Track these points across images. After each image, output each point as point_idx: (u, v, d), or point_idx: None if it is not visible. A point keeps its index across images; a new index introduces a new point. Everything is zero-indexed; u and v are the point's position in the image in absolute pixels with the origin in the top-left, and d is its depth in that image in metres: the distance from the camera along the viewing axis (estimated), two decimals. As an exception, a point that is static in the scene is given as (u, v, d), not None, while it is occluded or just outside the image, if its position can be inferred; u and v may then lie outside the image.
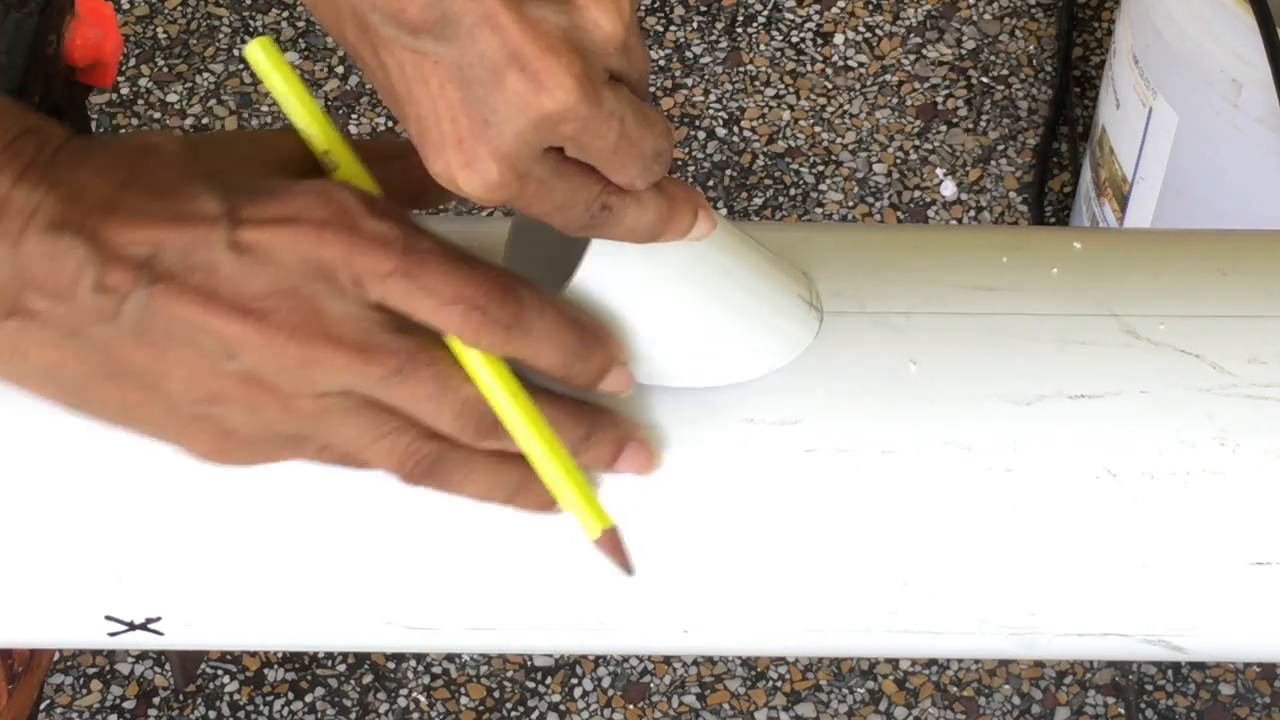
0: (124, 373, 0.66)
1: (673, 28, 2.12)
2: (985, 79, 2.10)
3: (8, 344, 0.65)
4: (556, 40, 0.63)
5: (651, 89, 2.05)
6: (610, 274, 0.70)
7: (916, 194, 2.02)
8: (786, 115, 2.06)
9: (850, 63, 2.10)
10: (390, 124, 2.03)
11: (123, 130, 2.02)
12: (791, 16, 2.13)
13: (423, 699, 1.73)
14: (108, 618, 0.75)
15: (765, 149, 2.04)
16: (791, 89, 2.08)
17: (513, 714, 1.72)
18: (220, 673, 1.73)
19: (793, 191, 2.02)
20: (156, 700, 1.73)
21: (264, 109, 2.04)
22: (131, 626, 0.75)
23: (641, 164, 0.66)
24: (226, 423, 0.67)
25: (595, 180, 0.66)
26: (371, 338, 0.66)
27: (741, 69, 2.09)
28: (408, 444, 0.68)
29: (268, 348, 0.65)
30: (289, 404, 0.66)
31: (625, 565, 0.71)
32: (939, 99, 2.08)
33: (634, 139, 0.65)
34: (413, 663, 1.74)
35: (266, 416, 0.67)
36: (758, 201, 2.01)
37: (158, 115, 2.03)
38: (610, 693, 1.73)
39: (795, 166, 2.03)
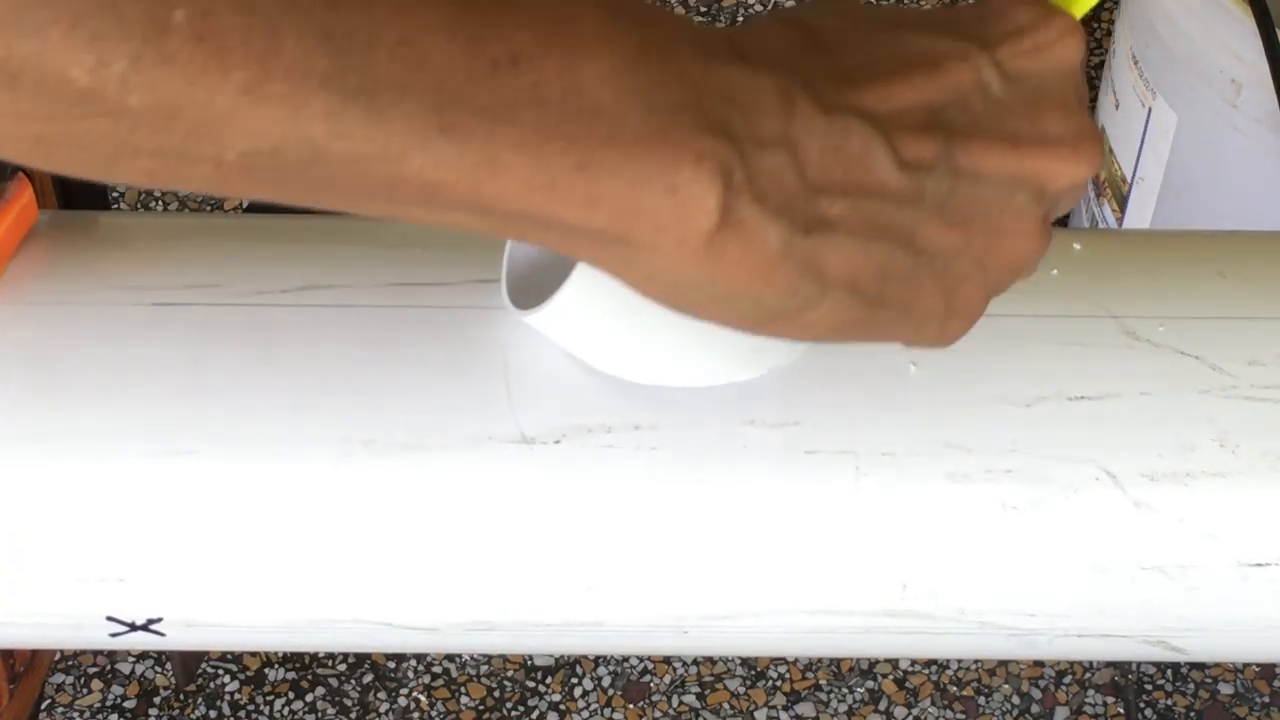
0: (923, 265, 0.60)
1: (673, 28, 2.12)
2: (985, 79, 2.10)
3: (807, 268, 0.57)
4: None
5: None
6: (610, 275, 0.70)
7: (916, 194, 2.02)
8: (786, 115, 2.07)
9: (850, 63, 2.10)
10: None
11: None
12: (791, 16, 2.14)
13: (423, 698, 1.73)
14: (109, 618, 0.75)
15: (765, 149, 2.04)
16: (791, 89, 2.09)
17: (513, 714, 1.72)
18: (221, 672, 1.74)
19: (792, 191, 2.02)
20: (157, 700, 1.73)
21: (264, 109, 2.04)
22: (133, 627, 0.75)
23: None
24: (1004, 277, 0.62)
25: None
26: None
27: (741, 69, 2.10)
28: None
29: (1084, 156, 0.61)
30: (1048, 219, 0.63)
31: None
32: (939, 99, 2.09)
33: None
34: (413, 662, 1.74)
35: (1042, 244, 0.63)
36: (758, 201, 2.01)
37: (158, 115, 2.03)
38: (610, 692, 1.74)
39: (795, 166, 2.03)
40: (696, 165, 0.53)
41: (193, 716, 1.72)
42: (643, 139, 0.53)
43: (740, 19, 2.12)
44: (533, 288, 0.72)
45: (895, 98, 0.57)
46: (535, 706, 1.73)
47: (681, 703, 1.73)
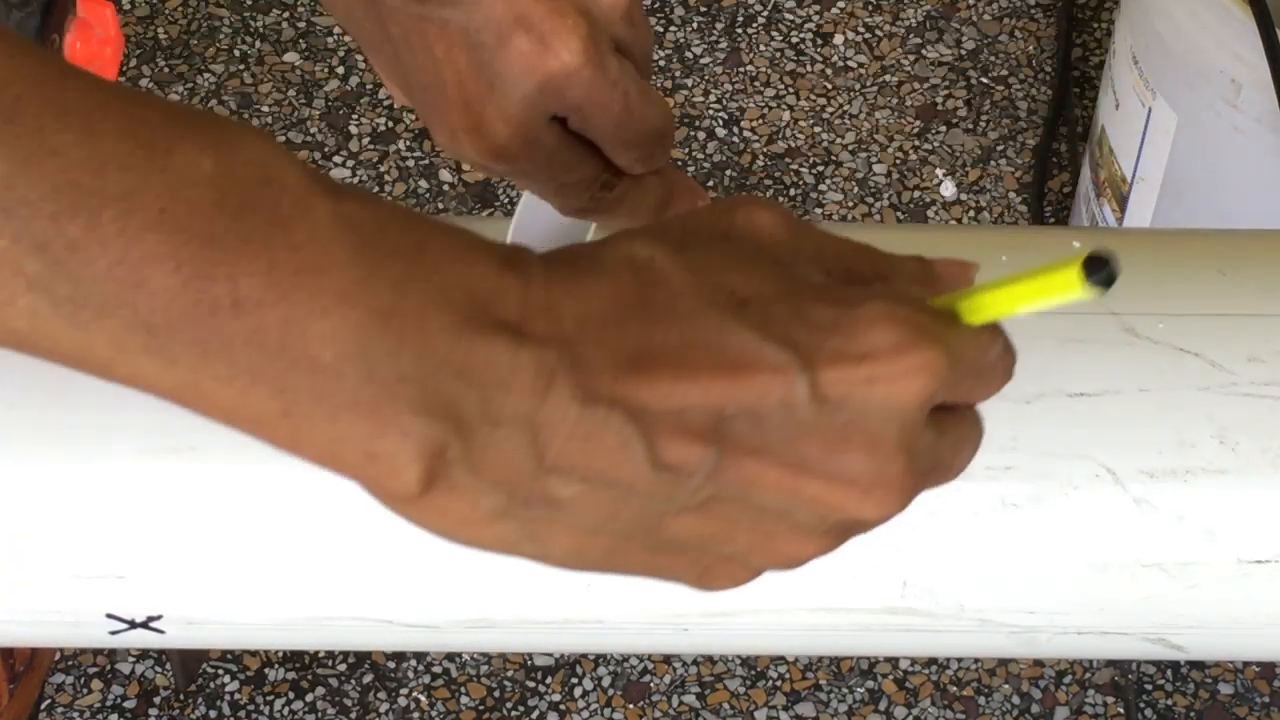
0: (667, 544, 0.57)
1: (673, 28, 2.12)
2: (985, 79, 2.10)
3: (525, 532, 0.56)
4: (563, 3, 0.63)
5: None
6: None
7: (916, 194, 2.02)
8: (786, 116, 2.06)
9: (850, 63, 2.10)
10: (390, 124, 2.03)
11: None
12: (791, 17, 2.13)
13: (423, 698, 1.73)
14: (109, 616, 0.75)
15: (765, 149, 2.04)
16: (791, 89, 2.08)
17: (513, 713, 1.72)
18: (221, 672, 1.74)
19: (792, 192, 2.02)
20: (157, 700, 1.73)
21: (264, 109, 2.04)
22: (133, 625, 0.75)
23: (643, 143, 0.66)
24: (771, 566, 0.60)
25: (598, 158, 0.67)
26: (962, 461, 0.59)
27: (741, 69, 2.10)
28: None
29: (876, 506, 0.56)
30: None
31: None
32: (939, 99, 2.08)
33: (636, 115, 0.66)
34: (413, 662, 1.74)
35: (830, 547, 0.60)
36: (758, 202, 2.01)
37: (158, 115, 2.04)
38: (610, 692, 1.74)
39: (795, 167, 2.03)
40: (400, 440, 0.52)
41: (193, 716, 1.72)
42: (352, 404, 0.52)
43: (740, 19, 2.13)
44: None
45: (677, 396, 0.54)
46: (535, 706, 1.73)
47: (681, 703, 1.73)
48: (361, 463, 0.53)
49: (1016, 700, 1.75)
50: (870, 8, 2.14)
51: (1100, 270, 0.54)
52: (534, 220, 0.74)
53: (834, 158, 2.04)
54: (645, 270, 0.55)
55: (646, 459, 0.54)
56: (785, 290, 0.56)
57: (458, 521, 0.55)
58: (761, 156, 2.04)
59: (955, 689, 1.75)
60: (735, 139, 2.05)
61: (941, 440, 0.58)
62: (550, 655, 1.75)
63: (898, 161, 2.04)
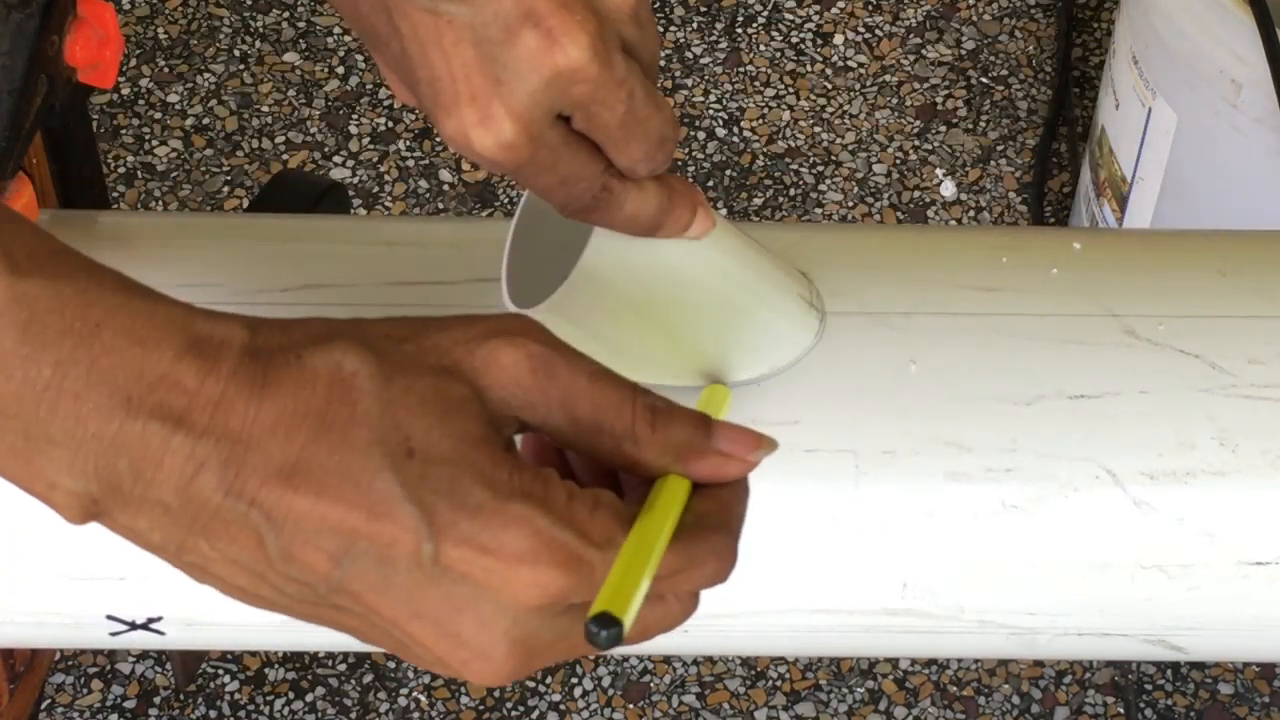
0: (319, 618, 0.61)
1: (673, 28, 2.12)
2: (985, 79, 2.10)
3: (193, 570, 0.61)
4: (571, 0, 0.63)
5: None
6: (610, 270, 0.70)
7: (916, 194, 2.02)
8: (786, 115, 2.06)
9: (850, 63, 2.10)
10: (390, 124, 2.03)
11: (122, 131, 2.02)
12: (791, 17, 2.13)
13: (423, 698, 1.73)
14: (109, 617, 0.75)
15: (765, 149, 2.04)
16: (791, 89, 2.08)
17: (513, 714, 1.72)
18: (221, 672, 1.74)
19: (792, 192, 2.02)
20: (157, 700, 1.73)
21: (264, 109, 2.04)
22: (133, 626, 0.75)
23: (646, 146, 0.66)
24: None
25: (601, 159, 0.67)
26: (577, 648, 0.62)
27: (741, 69, 2.09)
28: None
29: (474, 674, 0.60)
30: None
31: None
32: (939, 99, 2.08)
33: (641, 117, 0.66)
34: (413, 662, 1.74)
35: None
36: (757, 202, 2.01)
37: (158, 115, 2.03)
38: (610, 692, 1.74)
39: (795, 167, 2.03)
40: (49, 490, 0.59)
41: (193, 716, 1.72)
42: (10, 453, 0.58)
43: (740, 19, 2.13)
44: (533, 286, 0.72)
45: (314, 518, 0.58)
46: (535, 706, 1.73)
47: (681, 703, 1.73)
48: (29, 492, 0.60)
49: (1016, 700, 1.74)
50: (870, 8, 2.14)
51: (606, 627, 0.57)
52: (534, 221, 0.74)
53: (834, 158, 2.04)
54: (340, 385, 0.59)
55: (279, 555, 0.58)
56: (454, 454, 0.59)
57: (127, 538, 0.60)
58: (761, 156, 2.04)
59: (955, 689, 1.75)
60: (735, 139, 2.05)
61: (574, 628, 0.60)
62: (550, 655, 1.74)
63: (898, 161, 2.04)
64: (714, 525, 0.62)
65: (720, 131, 2.05)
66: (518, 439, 0.64)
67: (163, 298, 0.60)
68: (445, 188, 2.00)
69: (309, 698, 1.73)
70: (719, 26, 2.12)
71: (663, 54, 2.10)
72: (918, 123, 2.06)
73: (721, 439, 0.63)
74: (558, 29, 0.63)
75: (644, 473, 0.62)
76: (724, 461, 0.62)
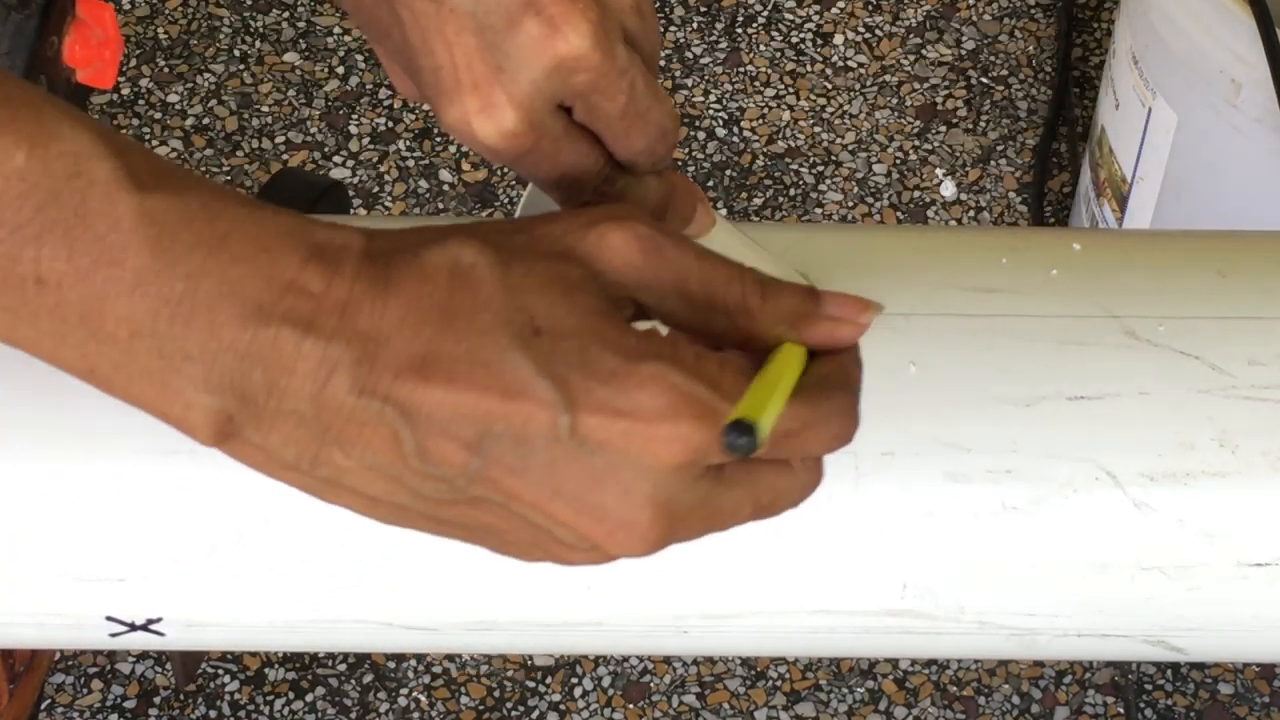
0: (448, 522, 0.62)
1: (673, 28, 2.12)
2: (985, 79, 2.10)
3: (318, 486, 0.61)
4: None
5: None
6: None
7: (916, 194, 2.02)
8: (786, 115, 2.06)
9: (850, 63, 2.10)
10: (390, 124, 2.03)
11: (122, 131, 2.02)
12: (791, 17, 2.13)
13: (423, 698, 1.73)
14: (109, 618, 0.75)
15: (765, 149, 2.04)
16: (791, 89, 2.08)
17: (513, 714, 1.72)
18: (221, 672, 1.74)
19: (792, 192, 2.02)
20: (157, 700, 1.73)
21: (264, 109, 2.04)
22: (133, 627, 0.75)
23: (647, 138, 0.67)
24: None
25: (602, 151, 0.67)
26: (721, 517, 0.62)
27: (741, 69, 2.10)
28: None
29: (619, 546, 0.61)
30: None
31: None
32: (939, 99, 2.08)
33: (642, 108, 0.66)
34: (413, 662, 1.74)
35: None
36: (757, 202, 2.01)
37: (158, 116, 2.03)
38: (610, 692, 1.74)
39: (795, 167, 2.03)
40: (185, 409, 0.59)
41: (193, 716, 1.72)
42: (144, 375, 0.58)
43: (740, 19, 2.13)
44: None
45: (448, 406, 0.58)
46: (535, 706, 1.73)
47: (681, 703, 1.73)
48: (163, 416, 0.59)
49: (1016, 700, 1.75)
50: (870, 8, 2.14)
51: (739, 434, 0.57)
52: (536, 212, 0.74)
53: (834, 158, 2.04)
54: (461, 276, 0.59)
55: (415, 452, 0.58)
56: (580, 328, 0.59)
57: (257, 465, 0.60)
58: (761, 156, 2.04)
59: (955, 689, 1.75)
60: (735, 139, 2.05)
61: (722, 493, 0.61)
62: (550, 655, 1.75)
63: (898, 161, 2.04)
64: (836, 384, 0.62)
65: (720, 131, 2.05)
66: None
67: (282, 210, 0.60)
68: (445, 188, 2.00)
69: (309, 698, 1.73)
70: (719, 26, 2.12)
71: (663, 54, 2.10)
72: (918, 123, 2.07)
73: (830, 305, 0.63)
74: (559, 17, 0.63)
75: (760, 344, 0.63)
76: (835, 325, 0.63)
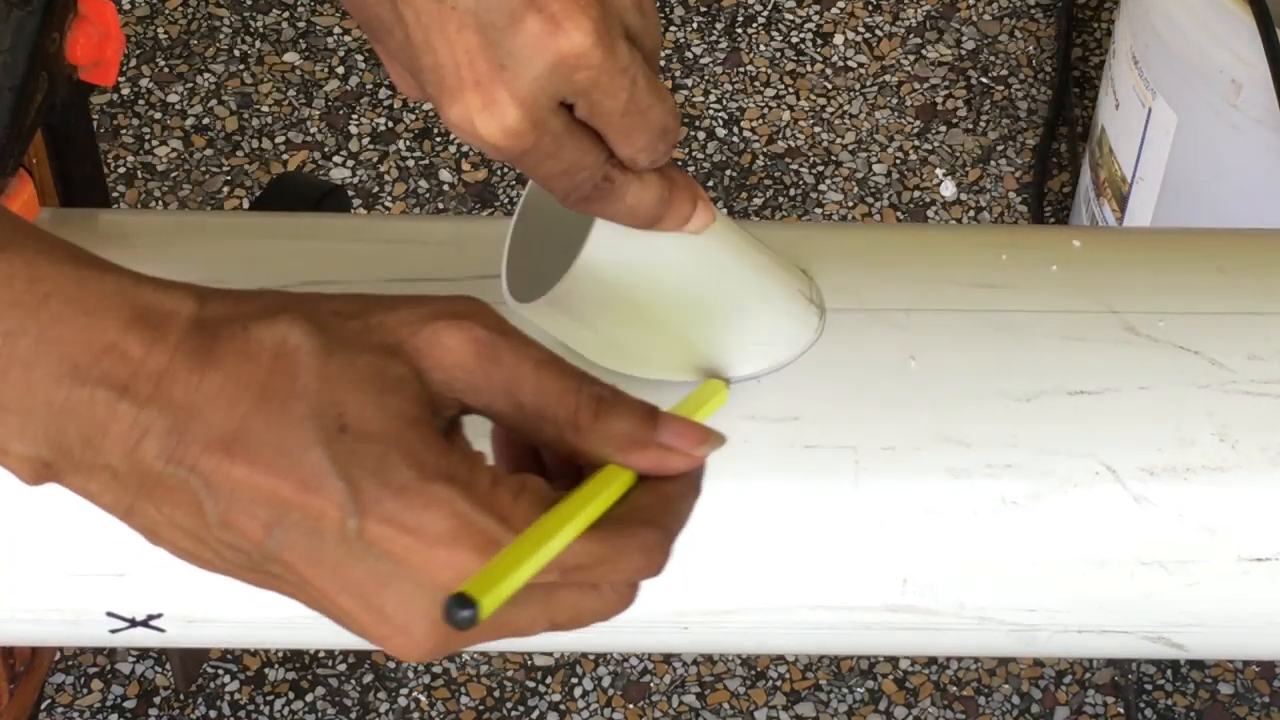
0: (259, 581, 0.63)
1: (673, 28, 2.12)
2: (985, 79, 2.10)
3: (144, 531, 0.63)
4: None
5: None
6: (610, 265, 0.70)
7: (916, 194, 2.02)
8: (786, 115, 2.06)
9: (850, 63, 2.10)
10: (390, 124, 2.03)
11: (122, 131, 2.02)
12: (791, 17, 2.13)
13: (423, 698, 1.73)
14: (109, 614, 0.75)
15: (765, 149, 2.04)
16: (791, 89, 2.08)
17: (513, 714, 1.72)
18: (221, 672, 1.74)
19: (792, 192, 2.02)
20: (157, 700, 1.73)
21: (264, 109, 2.04)
22: (133, 623, 0.75)
23: (648, 135, 0.67)
24: None
25: (603, 148, 0.67)
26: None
27: (741, 69, 2.10)
28: None
29: (398, 649, 0.62)
30: None
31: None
32: (939, 99, 2.08)
33: (643, 106, 0.66)
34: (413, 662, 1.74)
35: None
36: (757, 202, 2.01)
37: (159, 115, 2.03)
38: (610, 692, 1.74)
39: (795, 167, 2.03)
40: (2, 455, 0.61)
41: (193, 716, 1.72)
42: None
43: (740, 19, 2.13)
44: (534, 283, 0.72)
45: (248, 487, 0.60)
46: (535, 706, 1.73)
47: (681, 703, 1.73)
48: None
49: (1016, 700, 1.75)
50: (870, 8, 2.14)
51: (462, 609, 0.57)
52: (535, 219, 0.74)
53: (834, 158, 2.04)
54: (283, 359, 0.60)
55: (218, 522, 0.60)
56: (385, 432, 0.60)
57: (91, 503, 0.62)
58: (761, 156, 2.04)
59: (955, 689, 1.75)
60: (735, 139, 2.05)
61: (512, 611, 0.61)
62: (550, 655, 1.75)
63: (898, 161, 2.04)
64: (645, 519, 0.62)
65: (720, 131, 2.05)
66: (484, 430, 0.64)
67: (113, 268, 0.62)
68: (445, 188, 2.00)
69: (309, 698, 1.73)
70: (719, 26, 2.12)
71: (663, 54, 2.10)
72: (918, 123, 2.07)
73: (665, 432, 0.63)
74: (561, 14, 0.63)
75: (586, 461, 0.63)
76: (665, 455, 0.63)
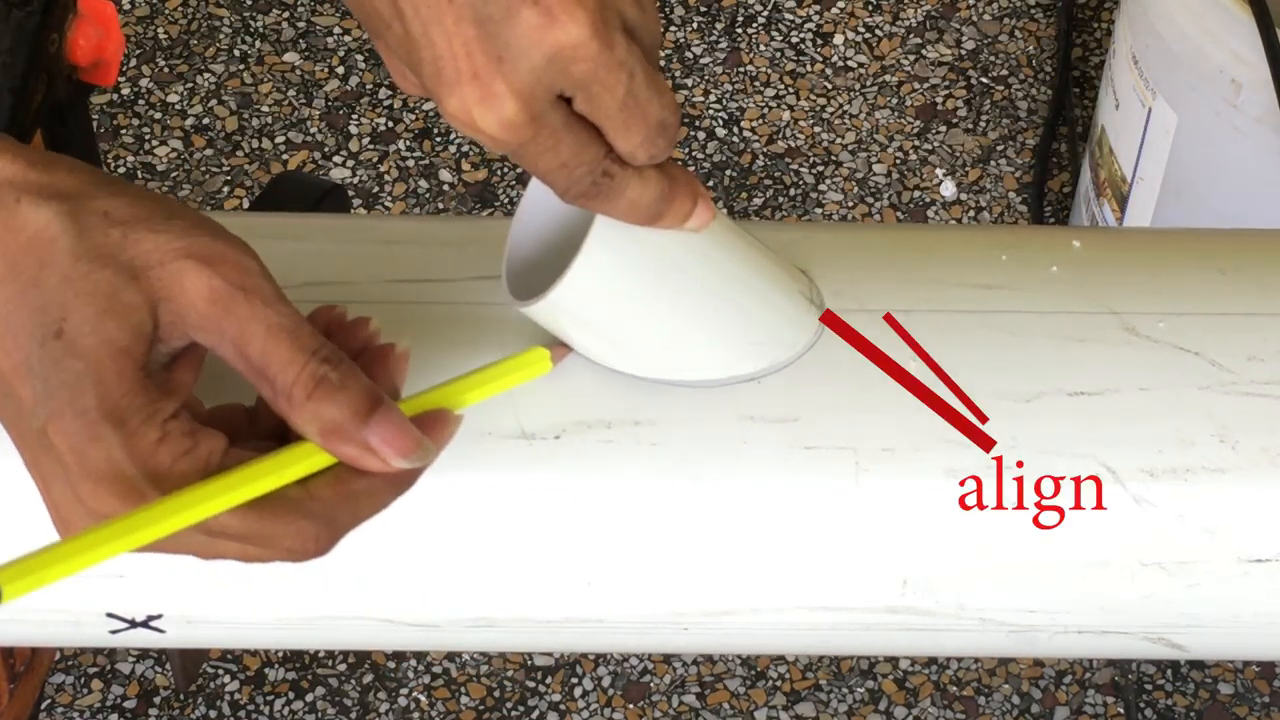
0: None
1: (673, 28, 2.12)
2: (985, 79, 2.10)
3: None
4: None
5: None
6: (610, 264, 0.70)
7: (916, 194, 2.02)
8: (786, 115, 2.06)
9: (850, 63, 2.10)
10: (390, 124, 2.03)
11: (122, 131, 2.02)
12: (791, 17, 2.13)
13: (423, 698, 1.73)
14: (109, 615, 0.75)
15: (765, 149, 2.04)
16: (791, 89, 2.08)
17: (513, 713, 1.72)
18: (221, 672, 1.74)
19: (792, 192, 2.02)
20: (157, 700, 1.73)
21: (264, 109, 2.04)
22: (133, 624, 0.75)
23: (646, 130, 0.67)
24: None
25: (602, 143, 0.67)
26: None
27: (741, 69, 2.10)
28: None
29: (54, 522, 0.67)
30: None
31: None
32: (939, 99, 2.08)
33: (641, 100, 0.66)
34: (413, 662, 1.74)
35: None
36: (757, 202, 2.01)
37: (158, 116, 2.03)
38: (610, 692, 1.74)
39: (795, 167, 2.03)
40: None
41: (193, 716, 1.72)
42: None
43: (740, 19, 2.13)
44: (533, 284, 0.72)
45: None
46: (535, 706, 1.73)
47: (681, 703, 1.73)
48: None
49: (1016, 700, 1.75)
50: (870, 8, 2.14)
51: None
52: (536, 219, 0.74)
53: (834, 158, 2.04)
54: (37, 245, 0.63)
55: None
56: (91, 351, 0.63)
57: None
58: (761, 156, 2.04)
59: (955, 689, 1.75)
60: (735, 139, 2.05)
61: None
62: (550, 655, 1.75)
63: (898, 161, 2.04)
64: (311, 510, 0.65)
65: (720, 131, 2.05)
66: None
67: None
68: (445, 188, 2.00)
69: (309, 698, 1.73)
70: (719, 26, 2.12)
71: (663, 54, 2.10)
72: (918, 123, 2.07)
73: (375, 432, 0.64)
74: (557, 6, 0.64)
75: (296, 432, 0.65)
76: (363, 453, 0.64)
